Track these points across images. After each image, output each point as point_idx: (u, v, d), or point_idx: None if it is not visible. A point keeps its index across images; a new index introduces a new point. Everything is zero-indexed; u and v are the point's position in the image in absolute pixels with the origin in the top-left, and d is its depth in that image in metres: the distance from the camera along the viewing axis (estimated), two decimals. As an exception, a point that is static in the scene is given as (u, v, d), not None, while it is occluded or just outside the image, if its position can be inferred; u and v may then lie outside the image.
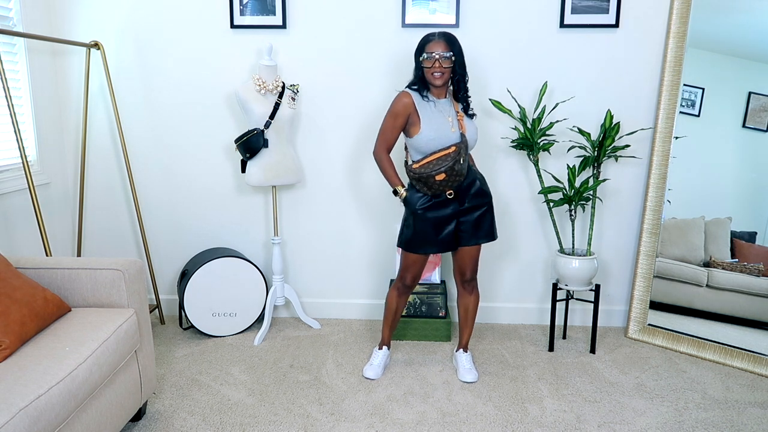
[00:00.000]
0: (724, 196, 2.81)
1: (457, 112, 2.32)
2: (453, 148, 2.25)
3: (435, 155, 2.25)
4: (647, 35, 2.86)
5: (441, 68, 2.24)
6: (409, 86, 2.36)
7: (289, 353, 2.81)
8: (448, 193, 2.31)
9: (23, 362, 1.63)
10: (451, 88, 2.37)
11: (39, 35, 2.58)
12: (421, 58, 2.27)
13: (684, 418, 2.26)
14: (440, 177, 2.25)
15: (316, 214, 3.15)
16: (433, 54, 2.23)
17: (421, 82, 2.33)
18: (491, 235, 2.44)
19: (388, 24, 2.91)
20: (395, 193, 2.38)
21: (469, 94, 2.38)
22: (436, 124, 2.28)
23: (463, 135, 2.29)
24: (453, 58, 2.24)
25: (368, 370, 2.56)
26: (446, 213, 2.35)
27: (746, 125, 2.74)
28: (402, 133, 2.37)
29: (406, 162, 2.39)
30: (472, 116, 2.39)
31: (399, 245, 2.45)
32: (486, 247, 3.11)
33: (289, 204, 3.15)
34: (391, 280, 3.12)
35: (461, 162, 2.25)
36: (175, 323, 3.16)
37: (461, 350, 2.64)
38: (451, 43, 2.25)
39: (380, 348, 2.65)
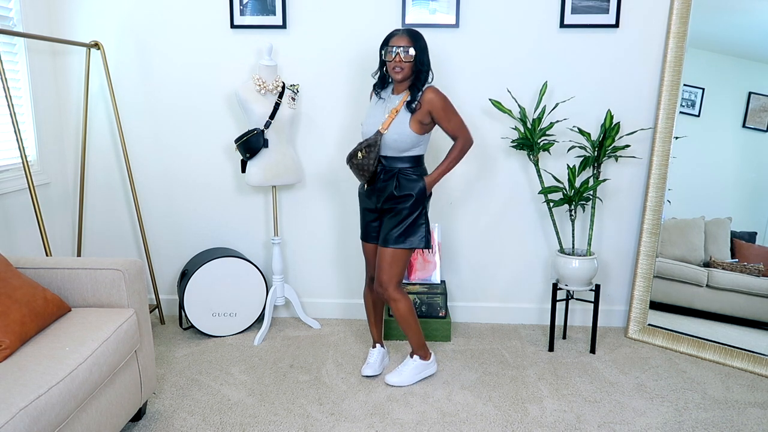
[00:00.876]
0: (724, 196, 2.81)
1: (393, 109, 2.31)
2: (357, 144, 2.36)
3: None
4: (647, 35, 2.86)
5: (401, 63, 2.25)
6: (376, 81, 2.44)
7: (289, 353, 2.81)
8: (364, 184, 2.43)
9: (23, 362, 1.63)
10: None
11: (39, 35, 2.58)
12: (383, 52, 2.30)
13: (684, 418, 2.26)
14: (347, 165, 2.42)
15: (316, 214, 3.15)
16: (394, 48, 2.24)
17: (384, 77, 2.40)
18: (392, 242, 2.34)
19: (388, 24, 2.91)
20: None
21: (422, 99, 2.28)
22: (370, 120, 2.39)
23: (378, 133, 2.31)
24: (413, 54, 2.24)
25: (365, 369, 2.57)
26: (369, 205, 2.46)
27: (746, 125, 2.74)
28: None
29: None
30: (414, 111, 2.27)
31: None
32: (487, 247, 3.12)
33: (289, 204, 3.15)
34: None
35: (356, 157, 2.34)
36: (175, 323, 3.16)
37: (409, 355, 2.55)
38: (414, 39, 2.26)
39: (373, 347, 2.66)
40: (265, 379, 2.54)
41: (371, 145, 2.31)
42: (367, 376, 2.56)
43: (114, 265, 2.06)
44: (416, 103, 2.28)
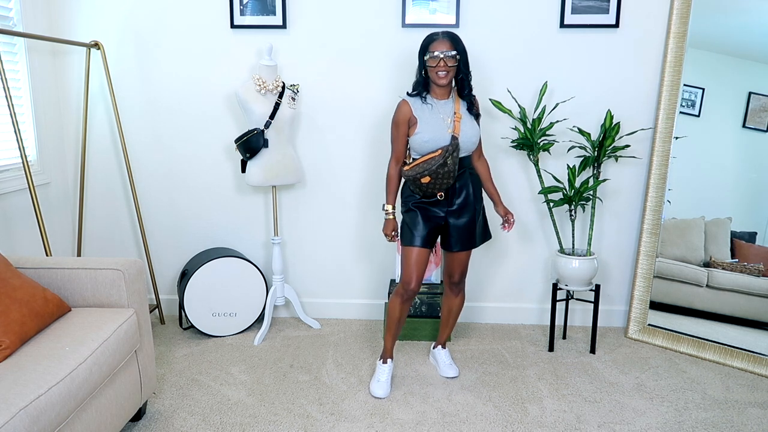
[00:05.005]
0: (724, 196, 2.81)
1: (455, 113, 2.30)
2: (439, 152, 2.25)
3: (424, 158, 2.27)
4: (647, 35, 2.86)
5: (446, 67, 2.23)
6: (409, 91, 2.35)
7: (289, 353, 2.81)
8: (438, 195, 2.31)
9: (23, 362, 1.63)
10: (455, 87, 2.36)
11: (39, 35, 2.58)
12: (426, 57, 2.25)
13: (684, 418, 2.26)
14: (425, 180, 2.27)
15: (316, 214, 3.15)
16: (438, 53, 2.21)
17: (424, 82, 2.32)
18: (470, 245, 2.42)
19: (388, 24, 2.91)
20: (384, 207, 2.46)
21: (474, 93, 2.37)
22: (432, 127, 2.28)
23: (454, 137, 2.26)
24: (458, 57, 2.24)
25: (377, 389, 2.42)
26: (436, 212, 2.36)
27: (746, 125, 2.74)
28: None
29: (404, 162, 2.38)
30: (476, 115, 2.37)
31: (401, 243, 2.44)
32: (487, 248, 3.12)
33: (289, 204, 3.15)
34: (392, 281, 3.12)
35: (447, 165, 2.24)
36: (175, 323, 3.16)
37: (439, 347, 2.67)
38: (455, 42, 2.24)
39: (384, 362, 2.51)
40: (265, 379, 2.54)
41: (454, 150, 2.25)
42: (377, 397, 2.41)
43: (114, 265, 2.06)
44: (475, 107, 2.37)
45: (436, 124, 2.28)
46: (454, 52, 2.22)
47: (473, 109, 2.35)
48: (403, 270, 2.40)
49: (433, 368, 2.66)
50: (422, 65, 2.30)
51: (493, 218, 3.12)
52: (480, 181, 2.46)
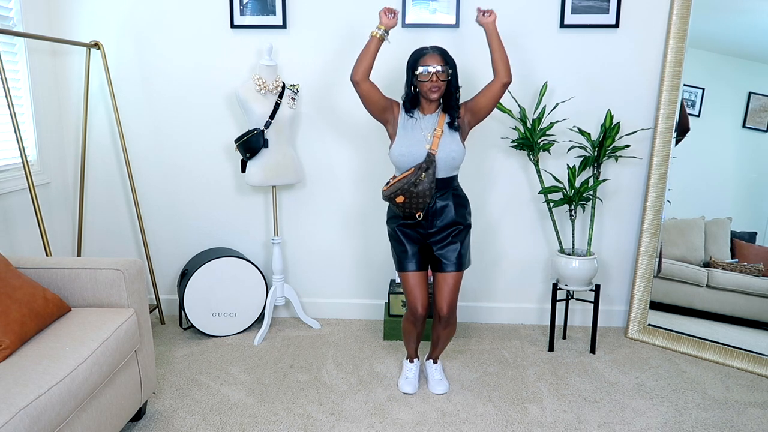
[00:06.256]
0: (724, 196, 2.81)
1: (435, 129, 2.23)
2: (411, 170, 2.19)
3: (399, 177, 2.22)
4: (647, 35, 2.86)
5: (438, 82, 2.18)
6: (404, 101, 2.31)
7: (289, 353, 2.81)
8: (417, 215, 2.23)
9: (23, 362, 1.64)
10: (441, 101, 2.28)
11: (39, 35, 2.58)
12: (417, 72, 2.19)
13: (684, 418, 2.26)
14: (399, 199, 2.20)
15: (316, 214, 3.15)
16: (430, 68, 2.16)
17: (413, 98, 2.27)
18: (457, 266, 2.29)
19: (388, 24, 2.90)
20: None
21: (461, 111, 2.26)
22: (409, 141, 2.23)
23: (430, 154, 2.18)
24: (449, 71, 2.18)
25: (404, 385, 2.46)
26: (419, 231, 2.30)
27: (746, 125, 2.74)
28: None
29: (387, 182, 2.30)
30: (458, 128, 2.25)
31: (396, 268, 2.41)
32: (487, 248, 3.12)
33: (289, 204, 3.15)
34: (392, 281, 3.12)
35: (420, 183, 2.17)
36: (175, 323, 3.16)
37: (431, 360, 2.55)
38: (445, 56, 2.19)
39: (411, 361, 2.53)
40: (265, 379, 2.54)
41: (428, 167, 2.17)
42: (408, 393, 2.45)
43: (114, 265, 2.06)
44: (458, 120, 2.24)
45: (414, 138, 2.23)
46: (446, 67, 2.17)
47: (456, 123, 2.24)
48: (407, 297, 2.36)
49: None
50: (410, 80, 2.24)
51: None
52: (467, 202, 2.36)
